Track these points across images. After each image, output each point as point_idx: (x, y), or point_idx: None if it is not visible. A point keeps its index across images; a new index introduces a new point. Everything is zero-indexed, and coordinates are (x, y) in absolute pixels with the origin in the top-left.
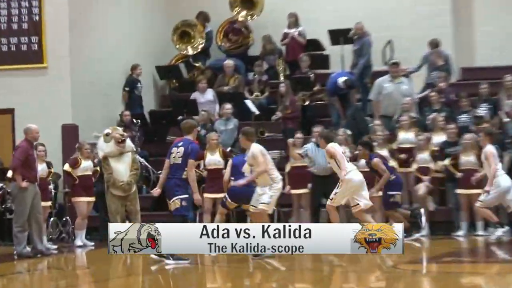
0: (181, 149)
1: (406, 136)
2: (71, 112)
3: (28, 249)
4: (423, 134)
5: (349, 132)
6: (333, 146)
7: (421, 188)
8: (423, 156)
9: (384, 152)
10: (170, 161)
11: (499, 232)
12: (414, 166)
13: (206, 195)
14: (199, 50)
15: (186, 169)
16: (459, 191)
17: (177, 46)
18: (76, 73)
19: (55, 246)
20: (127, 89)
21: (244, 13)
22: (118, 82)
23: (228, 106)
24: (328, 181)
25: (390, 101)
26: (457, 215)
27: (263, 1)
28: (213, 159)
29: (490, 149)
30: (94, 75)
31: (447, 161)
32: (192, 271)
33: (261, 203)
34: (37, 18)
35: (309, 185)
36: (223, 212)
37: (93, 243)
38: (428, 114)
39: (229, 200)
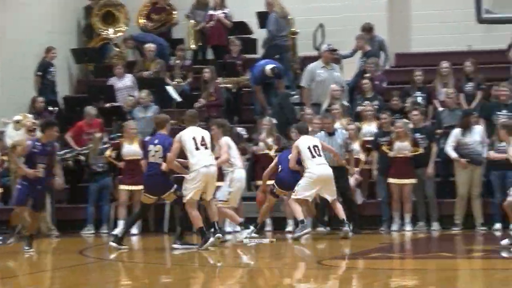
0: (159, 147)
1: (338, 125)
2: None
3: None
4: (353, 124)
5: (274, 121)
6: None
7: (350, 180)
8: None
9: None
10: (149, 159)
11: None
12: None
13: (122, 187)
14: (121, 33)
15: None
16: (391, 180)
17: (99, 27)
18: None
19: None
20: (39, 73)
21: None
22: (33, 66)
23: (143, 94)
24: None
25: (324, 89)
26: (385, 208)
27: None
28: (131, 149)
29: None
30: (7, 58)
31: (383, 146)
32: (108, 267)
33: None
34: None
35: None
36: (273, 202)
37: (0, 237)
38: (360, 103)
39: (277, 188)
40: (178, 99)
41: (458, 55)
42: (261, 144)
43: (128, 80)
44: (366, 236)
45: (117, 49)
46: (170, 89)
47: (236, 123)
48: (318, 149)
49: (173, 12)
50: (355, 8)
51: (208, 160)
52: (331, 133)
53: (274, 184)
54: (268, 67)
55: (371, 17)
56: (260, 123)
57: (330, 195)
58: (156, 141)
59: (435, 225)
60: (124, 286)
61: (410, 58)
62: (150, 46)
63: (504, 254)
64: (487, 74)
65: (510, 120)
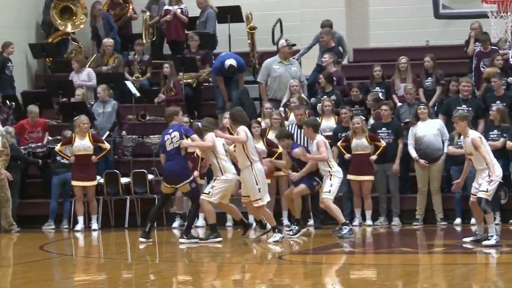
0: (176, 133)
1: (294, 119)
2: None
3: None
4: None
5: None
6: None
7: None
8: None
9: None
10: (167, 148)
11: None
12: None
13: (75, 182)
14: (80, 27)
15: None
16: (350, 177)
17: (57, 22)
18: None
19: None
20: None
21: None
22: None
23: (100, 89)
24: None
25: (280, 84)
26: (346, 203)
27: None
28: (83, 144)
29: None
30: None
31: (339, 142)
32: (68, 263)
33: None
34: None
35: (196, 172)
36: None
37: None
38: (319, 98)
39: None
40: (137, 94)
41: (417, 51)
42: None
43: (85, 75)
44: (327, 231)
45: (75, 44)
46: (129, 84)
47: (196, 118)
48: None
49: (127, 6)
50: (313, 3)
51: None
52: (300, 125)
53: (317, 180)
54: (228, 61)
55: (329, 12)
56: (221, 118)
57: None
58: (170, 131)
59: (396, 220)
60: (84, 282)
61: (369, 54)
62: (108, 41)
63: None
64: (445, 69)
65: (467, 112)
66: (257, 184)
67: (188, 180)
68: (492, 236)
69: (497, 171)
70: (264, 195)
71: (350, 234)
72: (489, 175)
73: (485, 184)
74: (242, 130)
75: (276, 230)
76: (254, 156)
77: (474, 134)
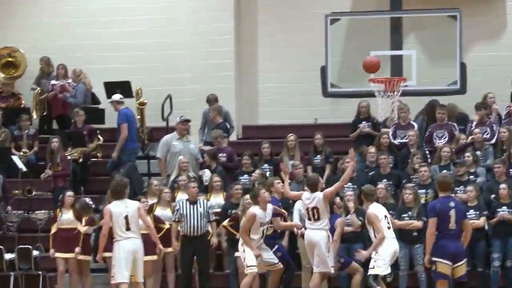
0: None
1: (184, 197)
2: None
3: None
4: (203, 195)
5: None
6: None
7: None
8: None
9: (168, 212)
10: None
11: None
12: None
13: None
14: None
15: None
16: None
17: None
18: None
19: None
20: None
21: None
22: None
23: None
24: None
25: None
26: (234, 281)
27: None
28: None
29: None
30: None
31: (225, 222)
32: None
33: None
34: None
35: (77, 249)
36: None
37: None
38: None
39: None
40: (24, 169)
41: (305, 128)
42: None
43: None
44: None
45: None
46: (15, 159)
47: (83, 193)
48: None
49: (20, 98)
50: (203, 79)
51: None
52: (193, 202)
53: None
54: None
55: (219, 89)
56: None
57: None
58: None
59: None
60: None
61: (257, 131)
62: None
63: None
64: (334, 148)
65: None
66: (113, 261)
67: None
68: None
69: (387, 250)
70: (117, 274)
71: None
72: (377, 252)
73: (372, 261)
74: (106, 210)
75: None
76: (120, 233)
77: (370, 209)
